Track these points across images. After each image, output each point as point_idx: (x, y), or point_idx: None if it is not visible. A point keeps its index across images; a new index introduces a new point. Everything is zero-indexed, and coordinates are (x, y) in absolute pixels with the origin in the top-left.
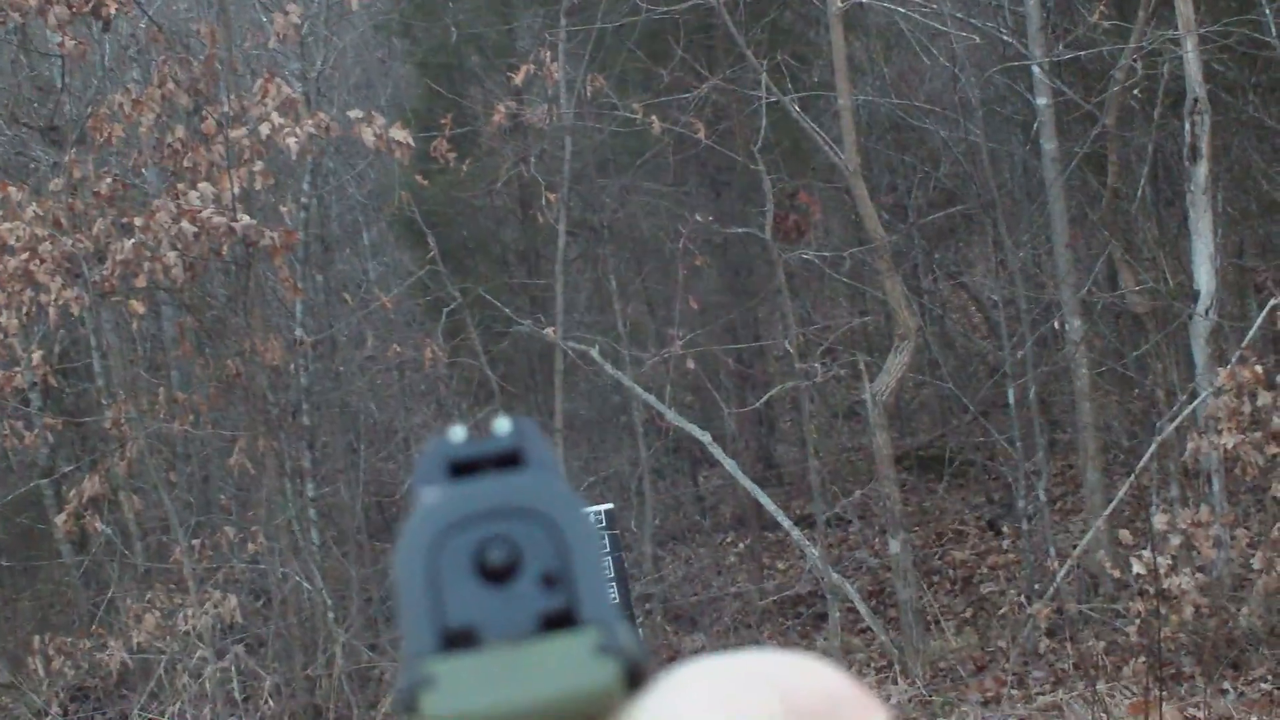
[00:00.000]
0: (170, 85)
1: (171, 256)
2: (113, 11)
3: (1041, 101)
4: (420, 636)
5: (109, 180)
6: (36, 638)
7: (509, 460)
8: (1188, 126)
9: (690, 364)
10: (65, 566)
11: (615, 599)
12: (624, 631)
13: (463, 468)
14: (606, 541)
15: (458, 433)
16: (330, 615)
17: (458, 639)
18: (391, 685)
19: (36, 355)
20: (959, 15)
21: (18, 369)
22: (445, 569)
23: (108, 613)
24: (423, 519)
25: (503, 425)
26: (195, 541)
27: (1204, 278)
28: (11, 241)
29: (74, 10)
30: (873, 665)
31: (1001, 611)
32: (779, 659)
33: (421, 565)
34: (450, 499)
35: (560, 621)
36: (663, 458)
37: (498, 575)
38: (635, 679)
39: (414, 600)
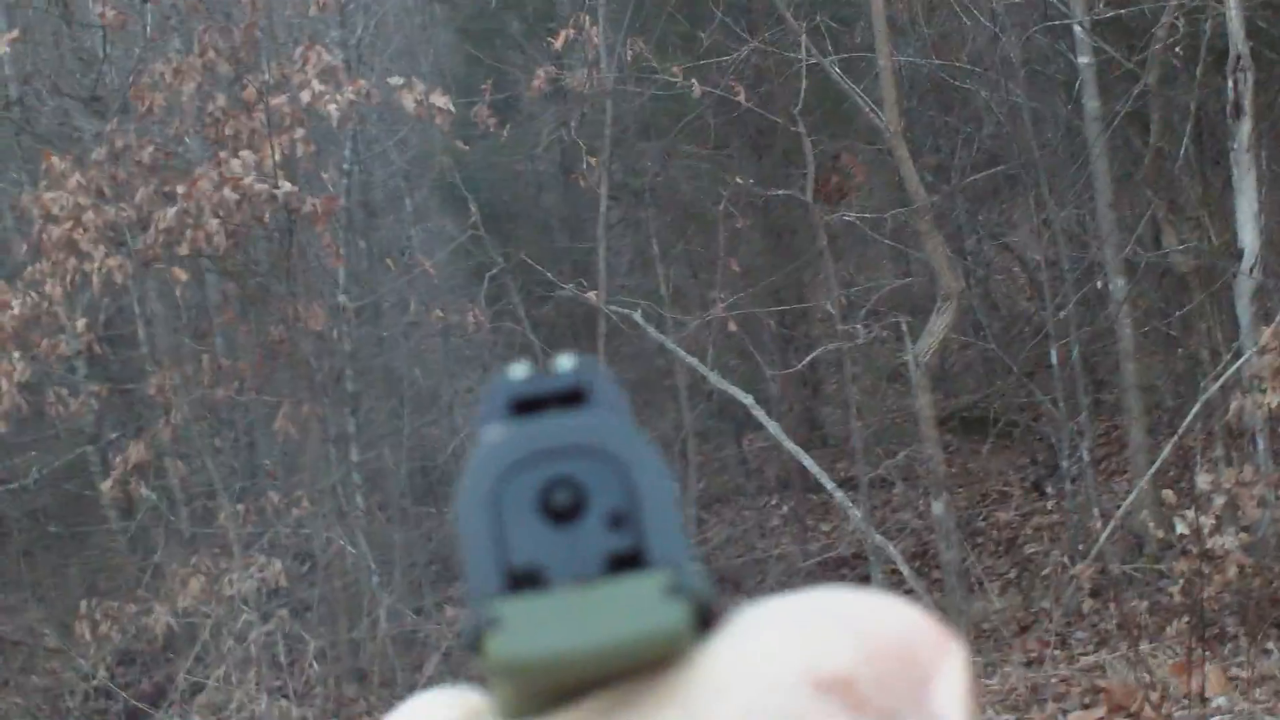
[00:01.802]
0: (211, 54)
1: (214, 224)
2: None
3: (1083, 60)
4: (484, 577)
5: (151, 149)
6: (84, 603)
7: (572, 398)
8: (1230, 84)
9: (733, 327)
10: (111, 532)
11: (685, 539)
12: (694, 572)
13: (525, 406)
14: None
15: (519, 370)
16: (374, 579)
17: (522, 579)
18: (433, 647)
19: (81, 323)
20: None
21: (63, 336)
22: (508, 508)
23: (154, 578)
24: (484, 457)
25: (565, 362)
26: (240, 506)
27: (1248, 236)
28: (55, 211)
29: None
30: None
31: (1045, 572)
32: (854, 597)
33: (484, 505)
34: (513, 437)
35: (628, 562)
36: (706, 420)
37: (563, 515)
38: (705, 620)
39: (477, 540)
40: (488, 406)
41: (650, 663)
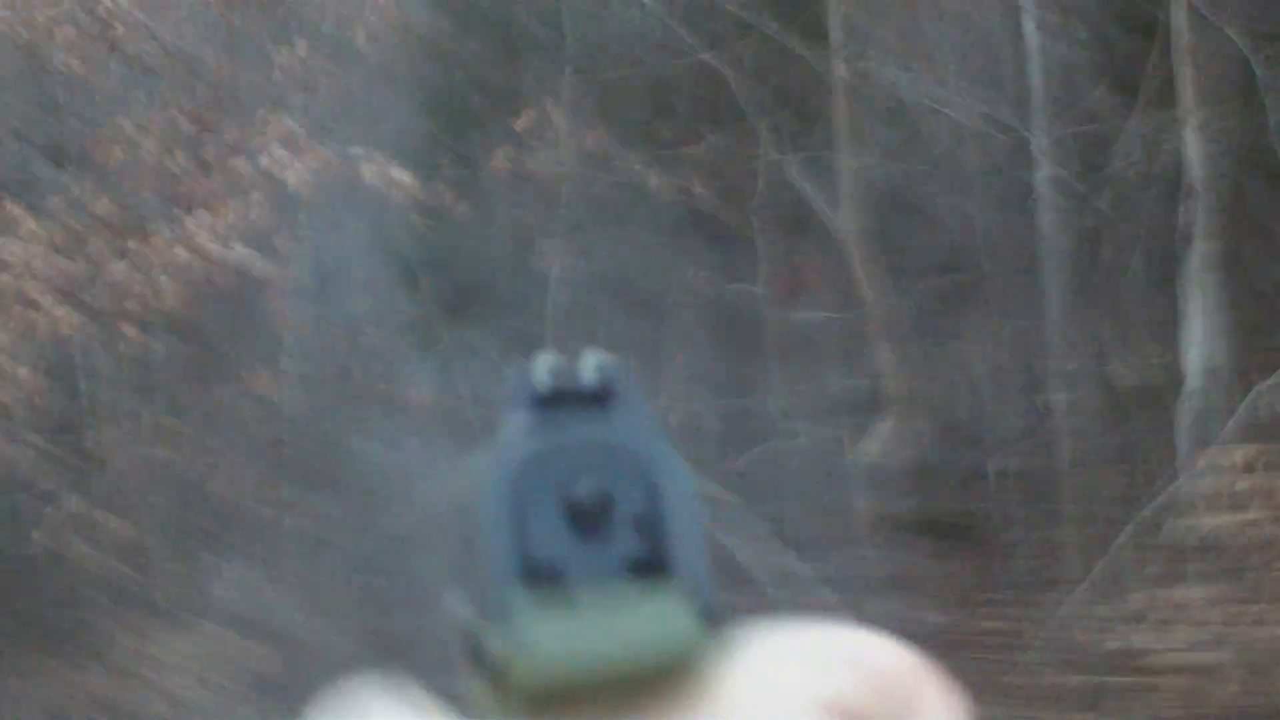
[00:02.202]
0: (174, 111)
1: (165, 282)
2: (120, 35)
3: (1041, 175)
4: (502, 566)
5: (106, 201)
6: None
7: (598, 396)
8: (1182, 210)
9: (674, 421)
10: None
11: (706, 546)
12: (712, 583)
13: (550, 399)
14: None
15: (547, 362)
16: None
17: (541, 574)
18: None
19: (23, 371)
20: (963, 85)
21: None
22: (530, 501)
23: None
24: (508, 448)
25: (592, 360)
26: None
27: (1195, 360)
28: (6, 258)
29: (81, 32)
30: None
31: (977, 680)
32: (849, 634)
33: (506, 494)
34: (538, 430)
35: (648, 567)
36: None
37: (586, 515)
38: (718, 635)
39: (498, 530)
40: (514, 396)
41: (664, 674)
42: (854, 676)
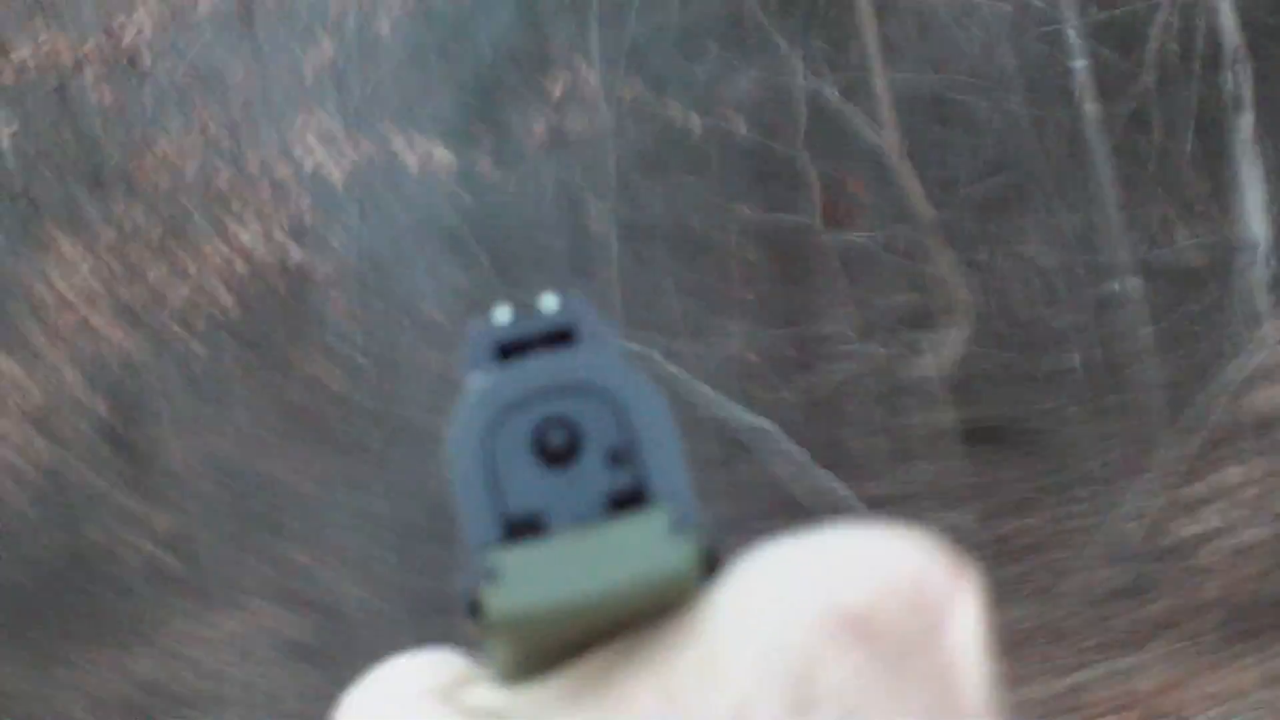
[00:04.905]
0: (210, 126)
1: (225, 295)
2: (148, 63)
3: (1079, 64)
4: (480, 528)
5: (159, 229)
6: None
7: (560, 337)
8: (1229, 76)
9: (752, 357)
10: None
11: (688, 472)
12: (697, 507)
13: (511, 349)
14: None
15: (503, 313)
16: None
17: (521, 527)
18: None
19: (101, 404)
20: None
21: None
22: (502, 455)
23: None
24: (473, 404)
25: (550, 301)
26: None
27: (1259, 227)
28: (65, 293)
29: (109, 65)
30: None
31: (1074, 577)
32: (867, 533)
33: (476, 452)
34: (500, 381)
35: (630, 500)
36: (731, 449)
37: (559, 457)
38: (711, 560)
39: (471, 490)
40: (472, 352)
41: (658, 606)
42: (870, 581)
